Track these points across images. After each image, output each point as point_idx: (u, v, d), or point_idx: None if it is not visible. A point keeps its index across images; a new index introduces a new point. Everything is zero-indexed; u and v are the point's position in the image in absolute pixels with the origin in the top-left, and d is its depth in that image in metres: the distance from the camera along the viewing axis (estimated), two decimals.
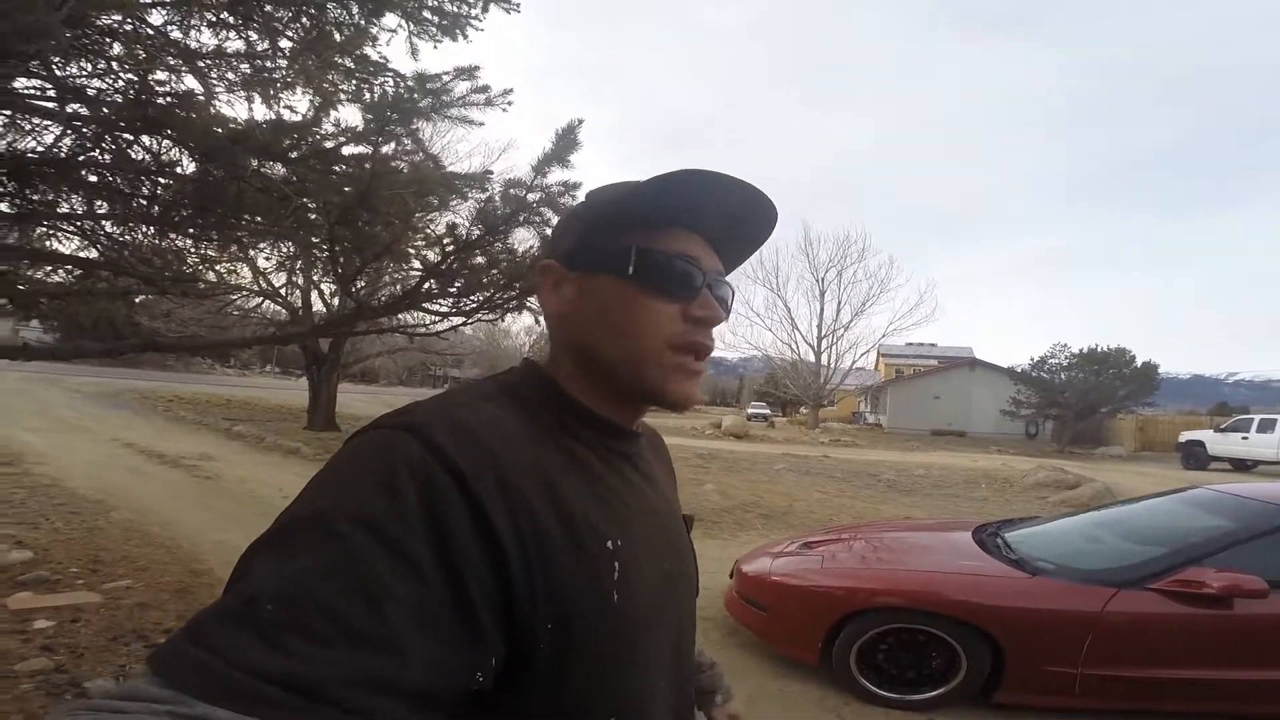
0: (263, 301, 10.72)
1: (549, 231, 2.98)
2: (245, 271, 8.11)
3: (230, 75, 2.53)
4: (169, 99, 2.14)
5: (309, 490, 0.48)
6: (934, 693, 2.99)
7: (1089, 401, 25.39)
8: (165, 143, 2.38)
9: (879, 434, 31.21)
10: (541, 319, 0.74)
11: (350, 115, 2.71)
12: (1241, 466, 17.31)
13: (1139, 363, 25.41)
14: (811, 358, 32.40)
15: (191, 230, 2.89)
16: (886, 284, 32.14)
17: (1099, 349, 25.82)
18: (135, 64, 2.06)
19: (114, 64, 2.20)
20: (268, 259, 4.61)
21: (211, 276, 4.24)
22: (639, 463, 0.68)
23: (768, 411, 40.65)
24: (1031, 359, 27.85)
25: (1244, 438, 17.22)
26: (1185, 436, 19.69)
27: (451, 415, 0.52)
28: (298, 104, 2.61)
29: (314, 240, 2.70)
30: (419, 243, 3.00)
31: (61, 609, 3.27)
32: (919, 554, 3.67)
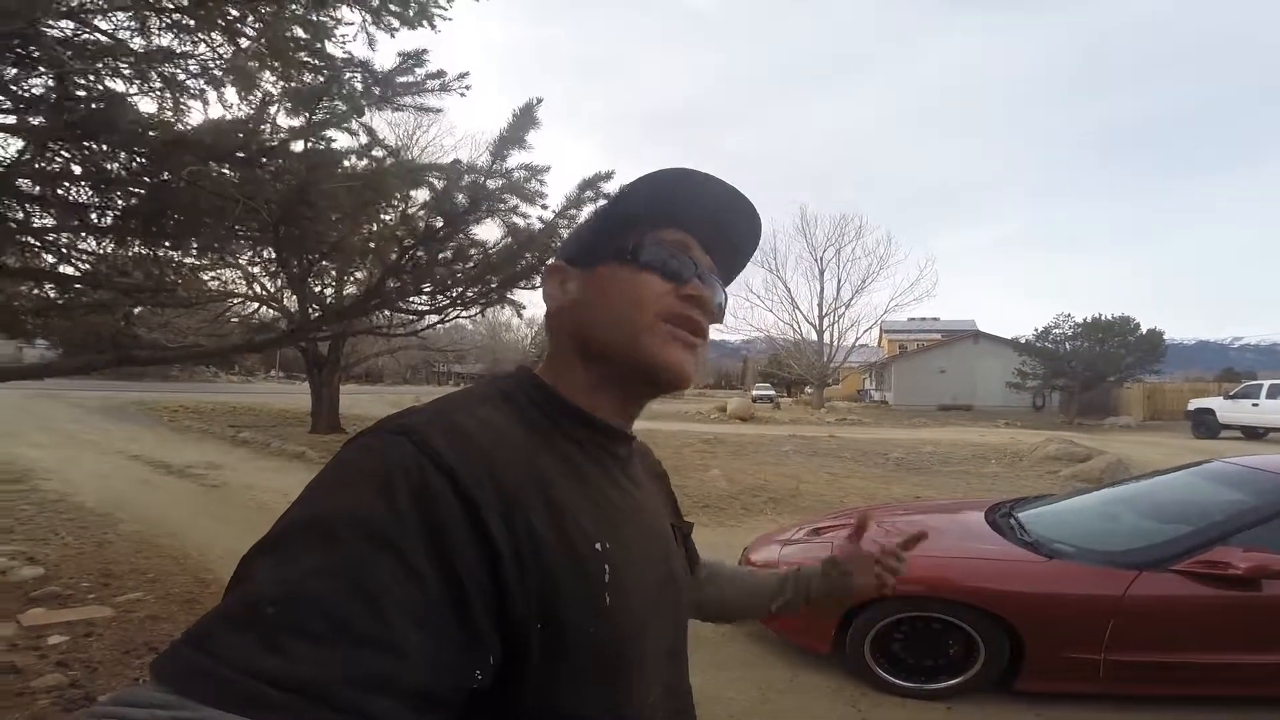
0: (259, 307, 10.65)
1: (515, 220, 2.88)
2: (236, 276, 8.05)
3: (180, 76, 2.41)
4: (100, 104, 2.03)
5: (306, 494, 0.49)
6: (952, 681, 2.92)
7: (1095, 371, 25.17)
8: (110, 149, 2.27)
9: (885, 411, 31.15)
10: (524, 316, 0.71)
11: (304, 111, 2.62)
12: (1253, 434, 16.98)
13: (1144, 330, 25.14)
14: (814, 337, 32.39)
15: (155, 240, 2.79)
16: (886, 260, 32.20)
17: (1103, 318, 25.54)
18: (80, 69, 1.95)
19: (54, 69, 2.08)
20: (254, 264, 4.52)
21: (196, 284, 4.15)
22: (630, 468, 0.69)
23: (773, 393, 40.52)
24: (1035, 330, 27.57)
25: (1254, 404, 16.86)
26: (1194, 404, 19.31)
27: (446, 419, 0.53)
28: (246, 103, 2.49)
29: (274, 236, 2.62)
30: (376, 237, 2.88)
31: (74, 624, 3.30)
32: (931, 537, 3.58)
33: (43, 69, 1.95)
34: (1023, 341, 28.36)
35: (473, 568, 0.46)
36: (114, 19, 2.17)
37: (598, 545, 0.55)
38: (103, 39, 2.15)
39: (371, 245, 2.70)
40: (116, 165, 2.30)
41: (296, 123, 2.27)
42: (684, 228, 0.66)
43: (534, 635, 0.49)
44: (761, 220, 0.71)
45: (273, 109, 2.30)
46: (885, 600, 2.98)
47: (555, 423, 0.61)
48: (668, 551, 0.69)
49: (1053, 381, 26.84)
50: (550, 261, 0.69)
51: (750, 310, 32.56)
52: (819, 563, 0.97)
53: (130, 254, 3.56)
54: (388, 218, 2.84)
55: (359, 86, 2.31)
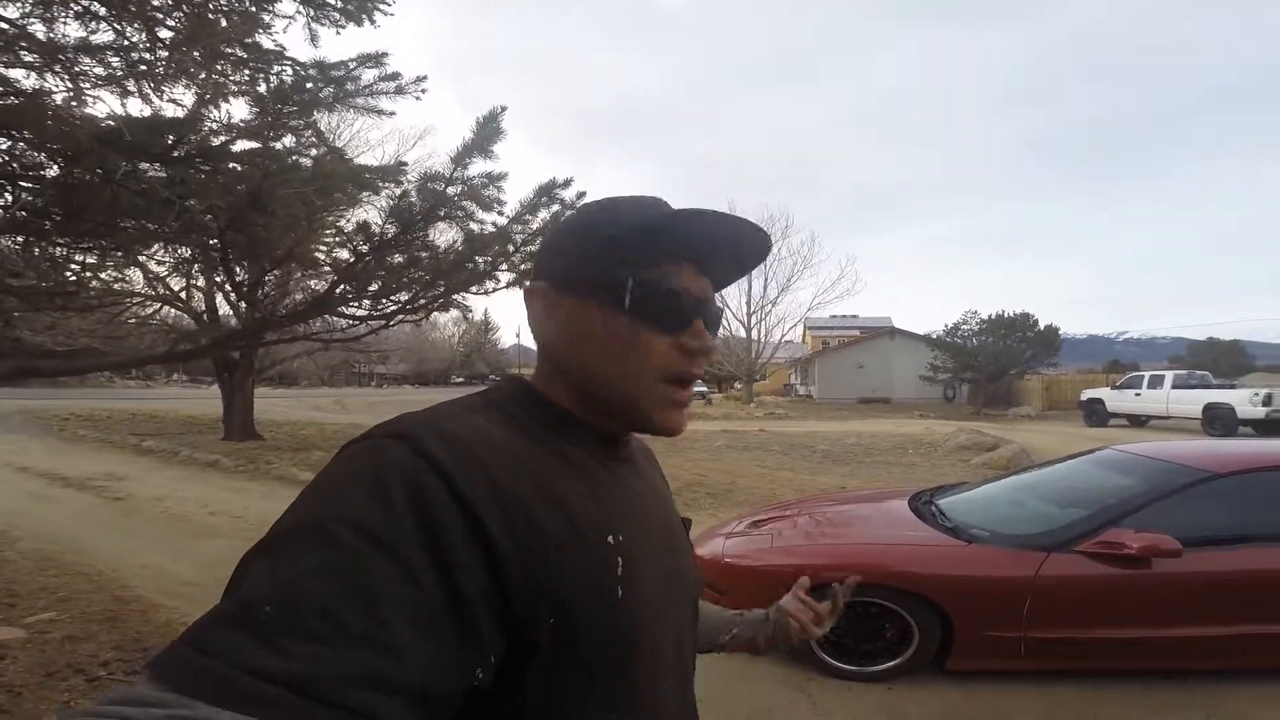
0: (161, 308, 9.91)
1: (473, 226, 2.82)
2: (138, 276, 7.46)
3: (99, 70, 2.20)
4: (16, 98, 1.84)
5: (302, 498, 0.49)
6: (891, 663, 3.06)
7: (999, 364, 27.01)
8: (20, 145, 2.07)
9: (810, 405, 32.28)
10: (525, 332, 0.70)
11: (242, 109, 2.45)
12: (1137, 422, 18.52)
13: (1041, 325, 27.15)
14: (743, 334, 33.18)
15: (62, 239, 2.56)
16: (809, 260, 33.50)
17: (1005, 314, 27.42)
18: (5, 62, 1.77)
19: None
20: (161, 263, 4.19)
21: (95, 285, 3.82)
22: (634, 465, 0.69)
23: (705, 389, 41.20)
24: (945, 326, 29.30)
25: (1137, 394, 18.42)
26: (1086, 395, 20.87)
27: (439, 424, 0.53)
28: (182, 98, 2.32)
29: (211, 243, 2.44)
30: (327, 243, 2.75)
31: None
32: (861, 526, 3.76)
33: None
34: (934, 337, 30.06)
35: (471, 568, 0.46)
36: (19, 6, 1.96)
37: (610, 539, 0.56)
38: (6, 27, 1.95)
39: (327, 249, 2.57)
40: (13, 162, 2.10)
41: (232, 120, 2.13)
42: (684, 256, 0.63)
43: (543, 630, 0.49)
44: (770, 239, 0.67)
45: (212, 108, 2.15)
46: (824, 588, 3.11)
47: (550, 428, 0.61)
48: (677, 544, 0.70)
49: (962, 375, 28.60)
50: (531, 284, 0.66)
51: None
52: (764, 612, 1.03)
53: (23, 253, 3.25)
54: (343, 223, 2.71)
55: (310, 85, 2.19)
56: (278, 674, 0.37)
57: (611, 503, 0.60)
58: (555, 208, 2.86)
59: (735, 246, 0.66)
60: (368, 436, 0.52)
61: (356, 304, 2.90)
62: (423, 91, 2.58)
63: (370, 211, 2.67)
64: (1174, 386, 17.54)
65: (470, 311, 3.65)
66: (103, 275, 3.86)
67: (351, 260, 2.59)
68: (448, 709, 0.44)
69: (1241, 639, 2.90)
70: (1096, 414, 19.63)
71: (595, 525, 0.55)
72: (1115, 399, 19.29)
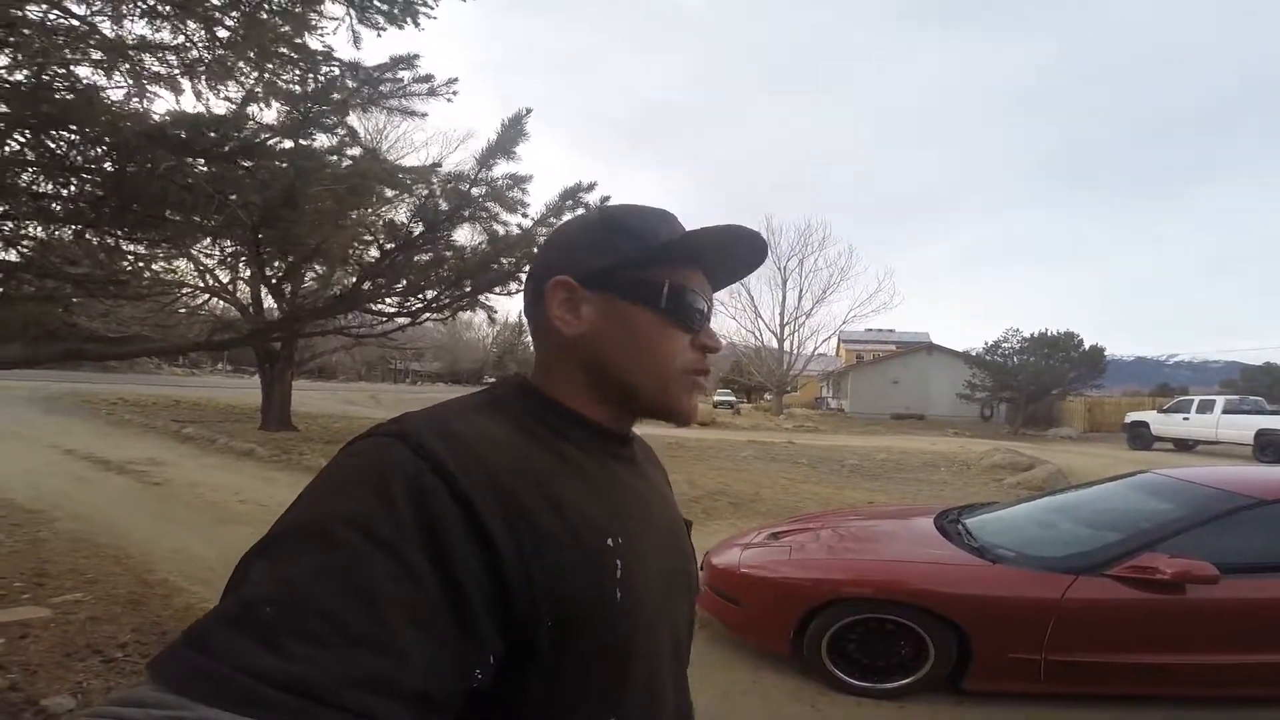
0: (209, 299, 10.28)
1: (496, 227, 2.87)
2: (188, 268, 7.76)
3: (158, 68, 2.32)
4: (72, 94, 1.95)
5: (303, 497, 0.49)
6: (904, 681, 3.01)
7: (1040, 384, 26.25)
8: (76, 139, 2.19)
9: (841, 418, 31.84)
10: (526, 327, 0.73)
11: (282, 108, 2.54)
12: (1183, 446, 17.91)
13: (1086, 346, 26.31)
14: (775, 345, 32.91)
15: (113, 230, 2.69)
16: (846, 272, 33.21)
17: (1048, 333, 26.65)
18: (47, 57, 1.87)
19: (35, 58, 1.98)
20: (208, 255, 4.37)
21: (147, 275, 4.00)
22: (636, 465, 0.70)
23: (734, 399, 40.94)
24: (985, 343, 28.59)
25: (1185, 418, 17.83)
26: (1131, 417, 20.27)
27: (441, 424, 0.53)
28: (234, 96, 2.42)
29: (254, 237, 2.54)
30: (362, 241, 2.83)
31: (8, 625, 3.14)
32: (883, 542, 3.70)
33: (22, 56, 1.87)
34: (973, 355, 29.37)
35: (472, 568, 0.46)
36: (90, 4, 2.08)
37: (609, 540, 0.55)
38: (76, 24, 2.07)
39: (352, 248, 2.65)
40: (76, 154, 2.23)
41: (273, 119, 2.22)
42: (700, 266, 0.68)
43: (543, 632, 0.49)
44: (764, 253, 0.71)
45: (253, 106, 2.25)
46: (841, 603, 3.08)
47: (554, 427, 0.61)
48: (678, 545, 0.70)
49: (1000, 393, 27.88)
50: (560, 278, 0.64)
51: (714, 317, 33.02)
52: None
53: (80, 243, 3.42)
54: (375, 220, 2.79)
55: (350, 85, 2.27)
56: (277, 675, 0.37)
57: (612, 503, 0.60)
58: (579, 211, 2.91)
59: (738, 256, 0.70)
60: (369, 435, 0.53)
61: (384, 300, 2.98)
62: (454, 93, 2.63)
63: (402, 211, 2.75)
64: (1225, 411, 16.95)
65: (495, 312, 3.71)
66: (154, 266, 4.04)
67: (379, 257, 2.67)
68: (448, 710, 0.44)
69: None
70: (1141, 437, 19.02)
71: (594, 526, 0.55)
72: (1161, 422, 18.67)
